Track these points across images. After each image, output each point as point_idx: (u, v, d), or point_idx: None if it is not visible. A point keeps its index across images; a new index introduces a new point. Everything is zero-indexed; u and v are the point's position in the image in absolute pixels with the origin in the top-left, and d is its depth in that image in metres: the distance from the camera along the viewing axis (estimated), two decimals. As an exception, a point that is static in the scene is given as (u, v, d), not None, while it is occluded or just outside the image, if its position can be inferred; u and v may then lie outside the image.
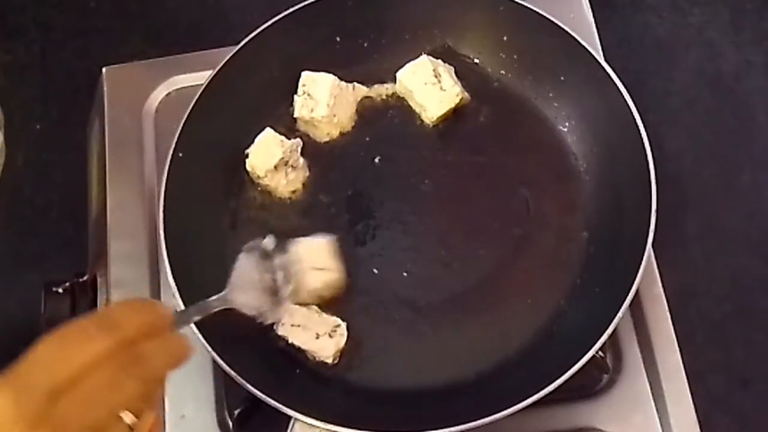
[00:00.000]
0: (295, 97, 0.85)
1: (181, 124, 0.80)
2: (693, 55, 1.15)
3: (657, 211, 0.73)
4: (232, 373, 0.70)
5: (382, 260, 0.80)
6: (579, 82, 0.83)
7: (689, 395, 0.76)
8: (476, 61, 0.88)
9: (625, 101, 0.78)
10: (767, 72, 1.14)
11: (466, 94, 0.86)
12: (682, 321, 0.80)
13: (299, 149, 0.84)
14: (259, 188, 0.84)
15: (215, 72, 0.82)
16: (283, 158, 0.82)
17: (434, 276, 0.80)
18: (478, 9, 0.86)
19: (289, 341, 0.76)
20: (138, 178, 0.89)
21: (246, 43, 0.83)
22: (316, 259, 0.76)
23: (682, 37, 1.16)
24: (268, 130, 0.83)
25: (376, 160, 0.85)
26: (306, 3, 0.84)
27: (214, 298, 0.64)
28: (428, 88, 0.84)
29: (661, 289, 0.80)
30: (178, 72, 0.93)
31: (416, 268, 0.80)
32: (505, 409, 0.67)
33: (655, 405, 0.77)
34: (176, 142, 0.79)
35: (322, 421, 0.68)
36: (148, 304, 0.56)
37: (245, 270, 0.68)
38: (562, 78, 0.84)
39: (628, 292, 0.70)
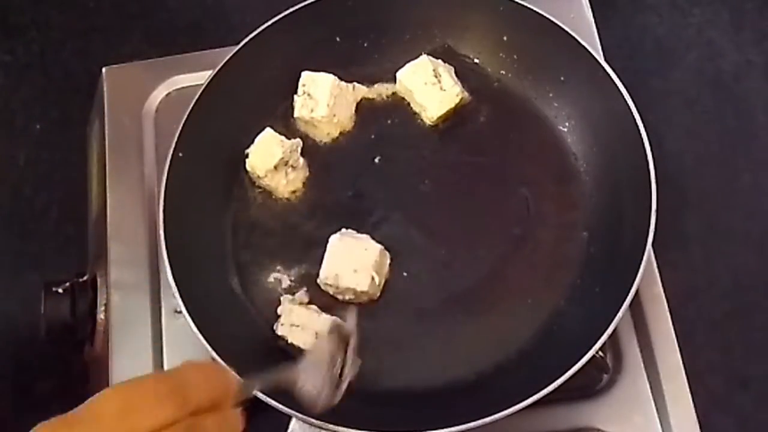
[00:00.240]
0: (295, 97, 0.85)
1: (181, 124, 0.80)
2: (693, 55, 1.15)
3: (657, 211, 0.73)
4: (232, 372, 0.69)
5: (382, 260, 0.80)
6: (579, 82, 0.83)
7: (689, 395, 0.77)
8: (476, 61, 0.88)
9: (625, 101, 0.78)
10: (767, 72, 1.13)
11: (466, 94, 0.86)
12: (682, 321, 0.80)
13: (299, 149, 0.84)
14: (259, 188, 0.84)
15: (215, 72, 0.82)
16: (283, 158, 0.82)
17: (434, 276, 0.80)
18: (478, 9, 0.86)
19: (289, 341, 0.76)
20: (138, 178, 0.89)
21: (246, 43, 0.83)
22: (362, 262, 0.76)
23: (682, 37, 1.16)
24: (268, 130, 0.83)
25: (376, 160, 0.85)
26: (306, 3, 0.84)
27: (282, 371, 0.61)
28: (428, 88, 0.84)
29: (661, 289, 0.81)
30: (178, 72, 0.94)
31: (416, 268, 0.80)
32: (505, 409, 0.67)
33: (655, 405, 0.77)
34: (176, 142, 0.79)
35: (321, 420, 0.68)
36: (219, 372, 0.54)
37: (322, 350, 0.64)
38: (562, 78, 0.84)
39: (628, 292, 0.70)
